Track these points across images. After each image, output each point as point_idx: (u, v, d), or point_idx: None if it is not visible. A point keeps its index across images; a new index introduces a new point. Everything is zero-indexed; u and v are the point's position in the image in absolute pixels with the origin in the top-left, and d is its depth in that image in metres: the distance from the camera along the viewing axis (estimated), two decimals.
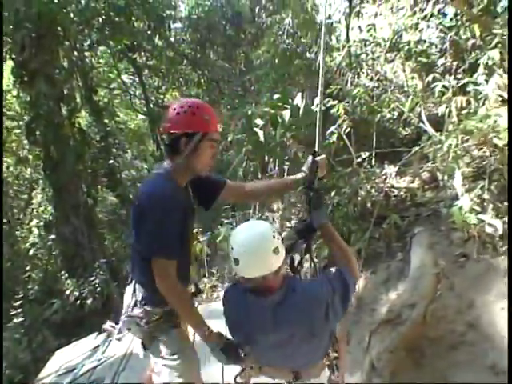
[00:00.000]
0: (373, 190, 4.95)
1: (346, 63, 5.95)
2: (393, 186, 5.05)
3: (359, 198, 4.88)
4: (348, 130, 5.27)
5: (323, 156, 2.57)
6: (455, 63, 5.96)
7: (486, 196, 4.12)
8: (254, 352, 2.23)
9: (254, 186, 2.89)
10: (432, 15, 6.04)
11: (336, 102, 5.29)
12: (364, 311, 4.39)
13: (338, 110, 5.28)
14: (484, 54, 4.72)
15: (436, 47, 6.16)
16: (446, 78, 5.35)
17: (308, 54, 6.96)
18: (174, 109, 2.19)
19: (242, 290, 2.13)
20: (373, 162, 5.43)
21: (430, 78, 5.27)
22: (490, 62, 4.53)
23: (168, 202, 2.14)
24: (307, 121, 5.30)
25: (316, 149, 2.54)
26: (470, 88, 4.95)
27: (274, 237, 2.02)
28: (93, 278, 9.44)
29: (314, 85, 5.81)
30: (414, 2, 6.20)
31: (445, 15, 6.15)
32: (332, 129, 5.20)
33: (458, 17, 5.91)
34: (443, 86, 4.99)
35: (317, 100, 5.19)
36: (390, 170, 5.16)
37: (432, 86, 5.09)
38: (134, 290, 2.40)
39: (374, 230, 4.65)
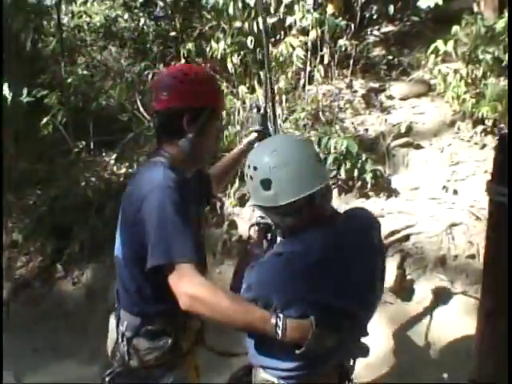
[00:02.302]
0: (93, 179, 4.96)
1: (59, 50, 5.73)
2: (113, 173, 5.13)
3: (80, 189, 4.84)
4: (64, 119, 5.16)
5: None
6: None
7: None
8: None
9: (217, 169, 2.22)
10: (142, 5, 6.26)
11: (48, 91, 5.12)
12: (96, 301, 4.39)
13: (51, 100, 5.12)
14: (184, 45, 5.22)
15: (150, 36, 6.40)
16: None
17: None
18: (175, 77, 1.63)
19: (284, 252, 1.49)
20: (92, 151, 5.42)
21: (142, 64, 5.52)
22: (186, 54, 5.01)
23: (178, 195, 1.52)
24: (17, 113, 4.99)
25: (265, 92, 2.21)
26: None
27: None
28: None
29: (22, 74, 5.50)
30: None
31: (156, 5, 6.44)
32: (45, 120, 5.03)
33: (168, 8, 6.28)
34: (153, 73, 5.29)
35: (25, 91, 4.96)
36: (110, 157, 5.24)
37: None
38: (119, 320, 1.74)
39: (96, 218, 4.66)
